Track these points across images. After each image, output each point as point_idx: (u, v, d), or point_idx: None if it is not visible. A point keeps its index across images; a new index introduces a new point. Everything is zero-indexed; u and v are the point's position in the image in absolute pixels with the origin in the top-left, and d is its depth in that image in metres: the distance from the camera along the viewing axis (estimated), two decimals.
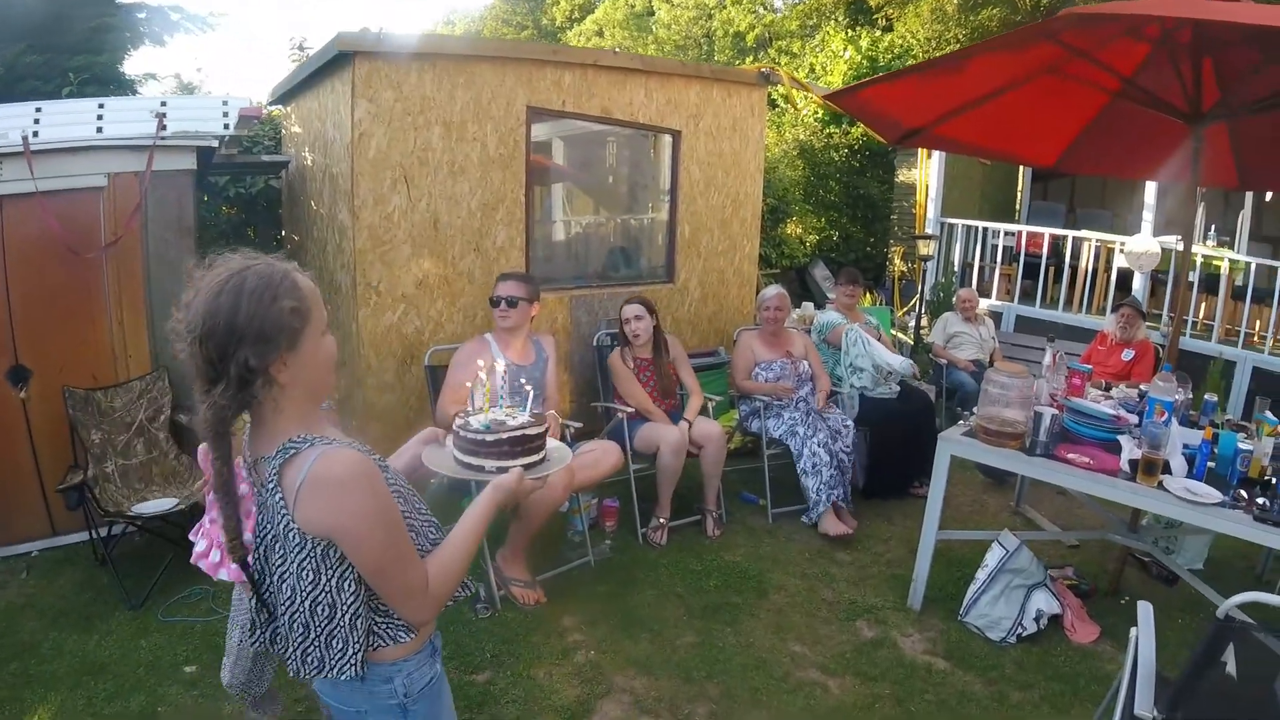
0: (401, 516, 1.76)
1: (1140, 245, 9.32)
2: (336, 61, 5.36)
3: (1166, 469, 3.87)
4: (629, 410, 5.35)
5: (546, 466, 2.16)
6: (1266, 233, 11.68)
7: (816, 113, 14.17)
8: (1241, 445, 3.95)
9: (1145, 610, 3.02)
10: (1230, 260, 9.08)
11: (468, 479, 2.23)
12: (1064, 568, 5.09)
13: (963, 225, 10.93)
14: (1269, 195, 11.50)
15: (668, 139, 7.11)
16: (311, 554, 1.69)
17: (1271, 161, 5.30)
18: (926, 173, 11.55)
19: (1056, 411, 4.33)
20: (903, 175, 12.55)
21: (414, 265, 5.64)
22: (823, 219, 14.41)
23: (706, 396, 5.86)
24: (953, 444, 4.41)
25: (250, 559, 1.81)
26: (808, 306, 7.48)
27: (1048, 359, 4.92)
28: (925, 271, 9.92)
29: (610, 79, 6.45)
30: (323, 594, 1.72)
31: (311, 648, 1.76)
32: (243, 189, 6.94)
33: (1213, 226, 9.93)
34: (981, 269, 10.97)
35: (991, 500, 6.42)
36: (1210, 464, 4.00)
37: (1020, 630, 4.37)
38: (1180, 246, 9.22)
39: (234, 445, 1.70)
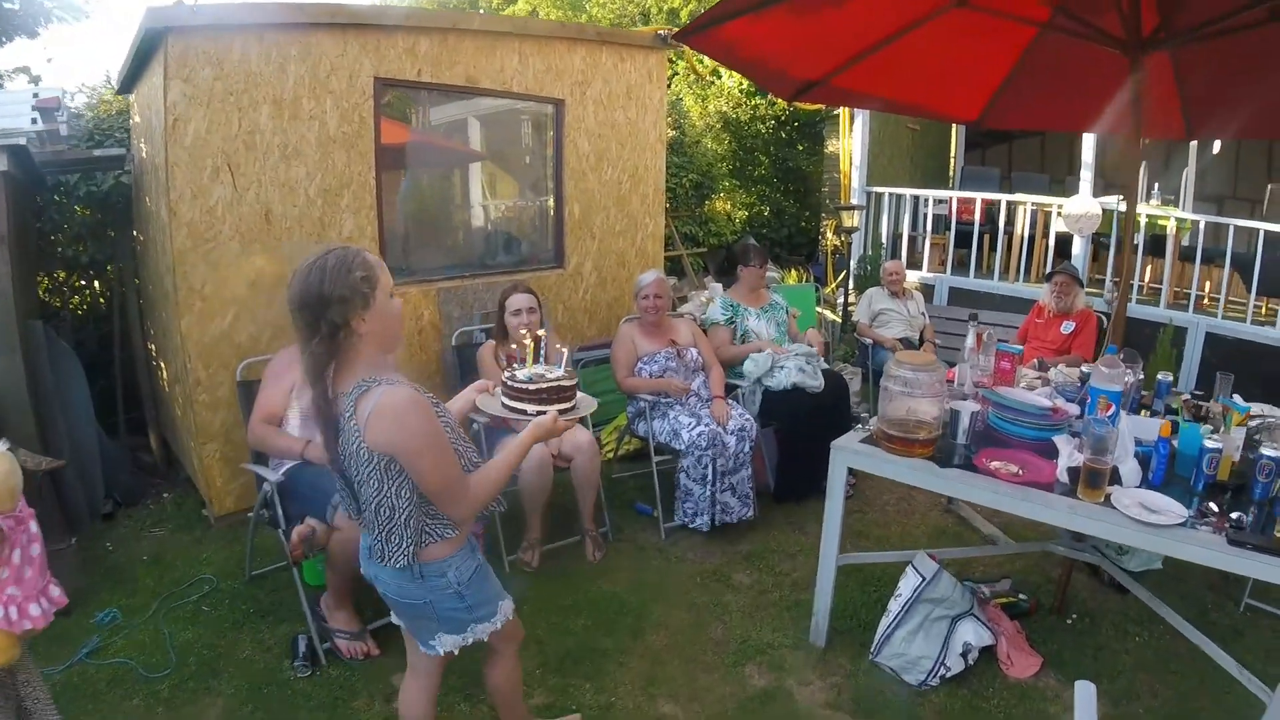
0: (448, 440, 2.29)
1: (1079, 207, 8.66)
2: (151, 40, 4.66)
3: (1115, 478, 3.11)
4: (485, 419, 4.56)
5: (576, 411, 2.61)
6: (1210, 191, 11.23)
7: (741, 84, 13.45)
8: (1208, 443, 3.18)
9: (1085, 693, 2.20)
10: (1177, 219, 8.45)
11: (513, 420, 2.58)
12: (998, 580, 4.37)
13: (890, 194, 10.15)
14: (1217, 146, 11.10)
15: (550, 109, 6.39)
16: (376, 468, 2.22)
17: (1221, 105, 4.62)
18: (850, 141, 10.82)
19: (979, 406, 3.53)
20: (831, 146, 11.89)
21: (245, 264, 4.87)
22: (752, 194, 13.88)
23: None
24: (849, 454, 3.58)
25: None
26: (716, 288, 6.69)
27: (970, 340, 4.17)
28: (851, 244, 9.21)
29: (477, 44, 5.71)
30: (385, 498, 2.26)
31: (377, 541, 2.34)
32: (94, 187, 6.09)
33: (1155, 185, 9.30)
34: (912, 240, 10.29)
35: (921, 496, 5.62)
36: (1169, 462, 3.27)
37: (944, 671, 3.64)
38: (1122, 206, 8.82)
39: (328, 383, 2.24)
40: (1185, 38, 3.74)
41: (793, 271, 11.83)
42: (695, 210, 12.10)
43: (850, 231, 8.83)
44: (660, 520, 5.07)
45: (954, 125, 12.77)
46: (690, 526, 4.96)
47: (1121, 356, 3.58)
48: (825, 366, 5.59)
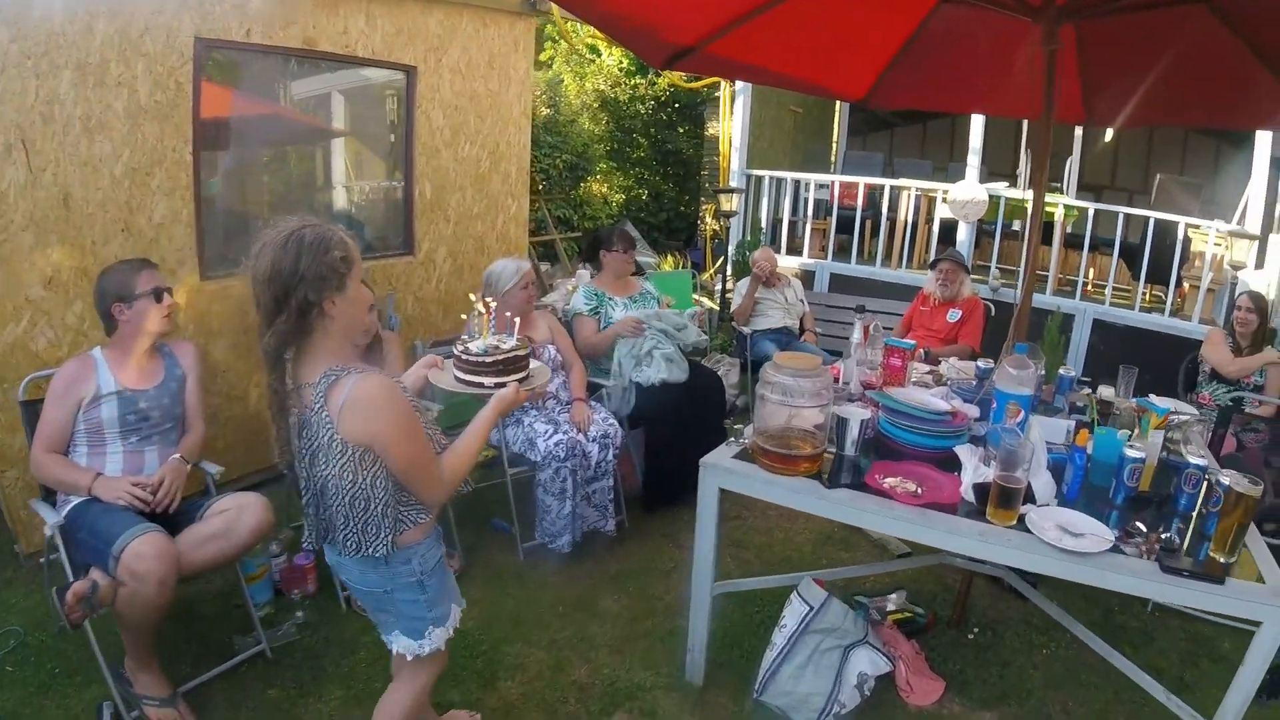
0: (420, 425, 2.23)
1: (965, 193, 8.46)
2: None
3: (1028, 494, 2.67)
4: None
5: (532, 381, 2.53)
6: (1089, 180, 11.28)
7: (621, 62, 13.01)
8: (1129, 452, 2.77)
9: None
10: (1065, 206, 8.32)
11: (471, 394, 2.47)
12: (891, 593, 3.95)
13: (770, 177, 9.69)
14: (1109, 134, 11.21)
15: (400, 78, 5.70)
16: (351, 459, 2.12)
17: (1122, 89, 4.24)
18: (730, 123, 10.39)
19: (869, 413, 3.03)
20: (712, 128, 11.48)
21: (40, 258, 4.05)
22: (630, 176, 13.49)
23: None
24: (720, 473, 3.02)
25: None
26: (582, 275, 6.15)
27: (856, 334, 3.73)
28: (729, 229, 8.77)
29: (317, 1, 4.97)
30: (360, 490, 2.17)
31: (350, 533, 2.22)
32: None
33: None
34: (793, 225, 9.94)
35: None
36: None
37: (837, 708, 3.18)
38: (1009, 193, 8.65)
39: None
40: (1100, 10, 3.39)
41: (669, 257, 11.41)
42: (570, 192, 11.66)
43: (729, 216, 8.37)
44: (518, 539, 4.47)
45: (837, 109, 12.56)
46: (551, 547, 4.39)
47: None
48: (700, 339, 5.14)
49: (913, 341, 3.85)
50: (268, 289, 2.06)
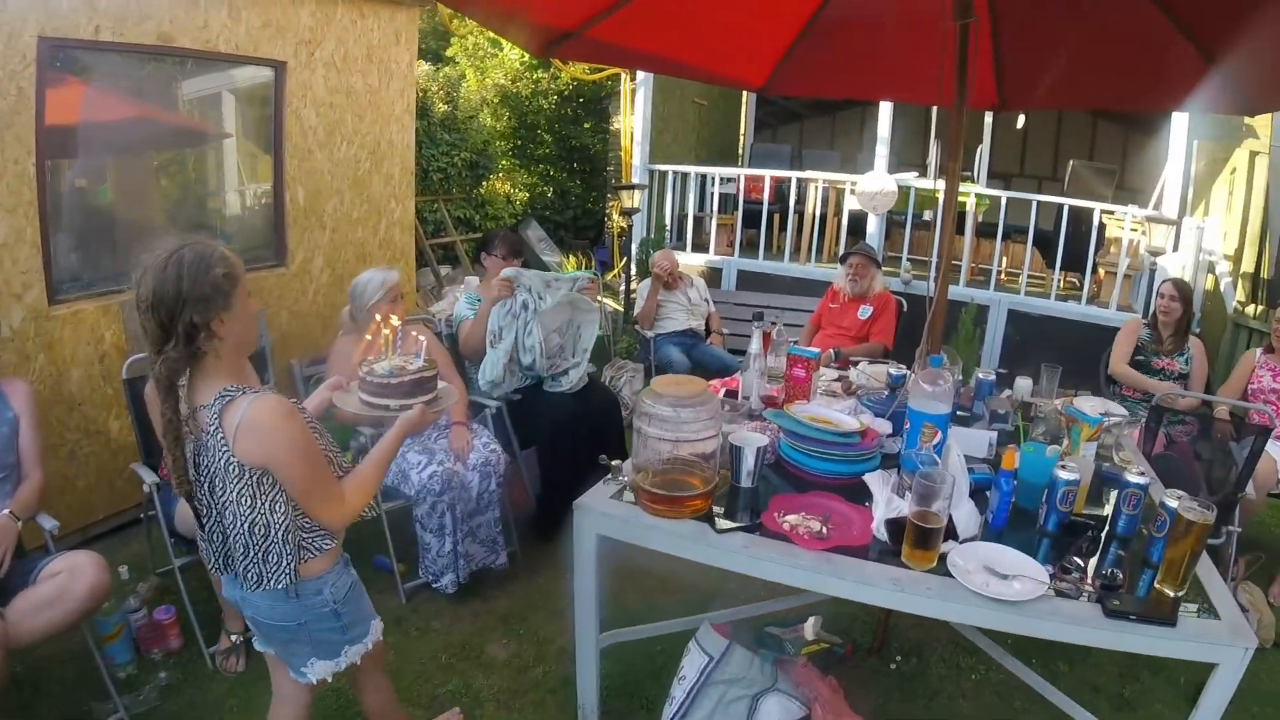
0: (318, 446, 2.14)
1: (874, 184, 8.21)
2: None
3: (949, 531, 2.30)
4: (153, 481, 3.53)
5: (439, 402, 2.41)
6: (998, 169, 11.13)
7: (523, 56, 12.51)
8: (1062, 473, 2.40)
9: None
10: (977, 195, 8.13)
11: (376, 416, 2.38)
12: (804, 620, 3.57)
13: (674, 172, 9.34)
14: (1021, 120, 11.17)
15: (267, 74, 5.19)
16: (248, 483, 2.04)
17: (1039, 69, 3.94)
18: (632, 117, 10.02)
19: (766, 441, 2.61)
20: (617, 122, 11.10)
21: None
22: (534, 173, 13.07)
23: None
24: (597, 518, 2.57)
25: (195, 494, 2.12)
26: (471, 282, 5.69)
27: (755, 344, 3.35)
28: (632, 226, 8.39)
29: None
30: (259, 515, 2.08)
31: (251, 565, 2.12)
32: None
33: None
34: (699, 220, 9.63)
35: None
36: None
37: None
38: (919, 183, 8.40)
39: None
40: None
41: (571, 258, 11.04)
42: (471, 191, 11.24)
43: (631, 213, 7.99)
44: (399, 579, 4.00)
45: (743, 101, 12.33)
46: (435, 587, 3.96)
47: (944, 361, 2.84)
48: (588, 307, 4.69)
49: (817, 350, 3.47)
50: (152, 316, 1.96)
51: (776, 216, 9.15)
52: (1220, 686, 2.05)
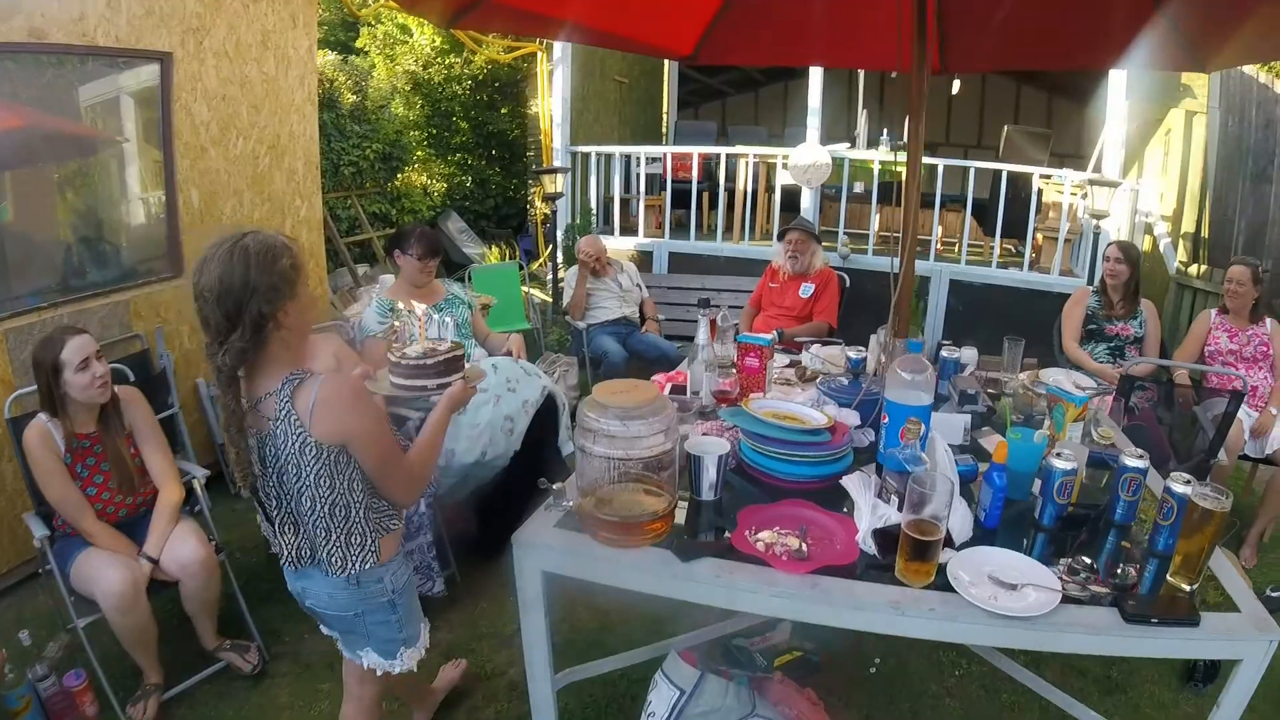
0: (388, 422, 2.29)
1: (807, 157, 7.99)
2: None
3: (946, 538, 1.99)
4: (43, 534, 3.17)
5: (470, 375, 2.48)
6: (925, 138, 10.83)
7: (434, 40, 12.04)
8: (1058, 463, 2.14)
9: None
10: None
11: (415, 398, 2.46)
12: (774, 629, 3.29)
13: (596, 153, 9.01)
14: (956, 86, 11.16)
15: (153, 69, 4.74)
16: (326, 463, 2.04)
17: (980, 31, 3.80)
18: (550, 99, 9.67)
19: (727, 447, 2.30)
20: (534, 106, 10.73)
21: None
22: (451, 163, 12.61)
23: None
24: (540, 552, 2.19)
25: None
26: (384, 282, 5.26)
27: (702, 334, 3.05)
28: (556, 212, 8.07)
29: None
30: (339, 496, 2.10)
31: (336, 549, 2.14)
32: None
33: (885, 131, 8.89)
34: (626, 203, 9.27)
35: None
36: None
37: None
38: (853, 154, 8.21)
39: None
40: None
41: (494, 249, 10.68)
42: (385, 185, 10.81)
43: (554, 198, 7.65)
44: None
45: (665, 78, 12.07)
46: None
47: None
48: (543, 386, 4.24)
49: (768, 336, 3.18)
50: (217, 306, 1.96)
51: (706, 195, 8.90)
52: (1243, 682, 1.85)
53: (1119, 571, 1.97)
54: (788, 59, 6.18)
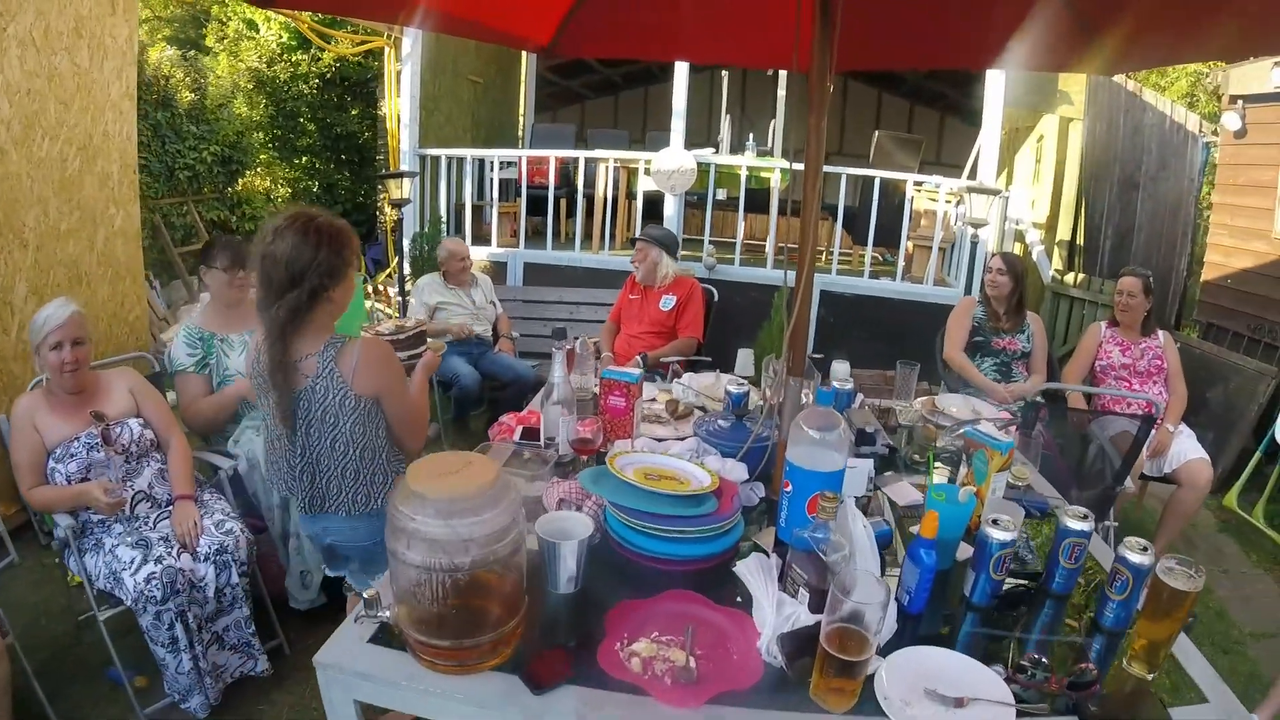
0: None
1: (671, 162, 7.58)
2: None
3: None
4: None
5: (436, 344, 3.00)
6: (792, 144, 10.66)
7: (280, 35, 11.26)
8: (995, 533, 1.78)
9: None
10: (781, 171, 7.65)
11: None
12: None
13: (446, 156, 8.36)
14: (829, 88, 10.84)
15: None
16: (362, 413, 2.37)
17: (866, 26, 3.39)
18: (399, 98, 9.07)
19: (592, 524, 1.86)
20: (385, 106, 10.00)
21: None
22: (297, 166, 11.87)
23: None
24: (350, 680, 1.63)
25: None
26: (193, 309, 4.60)
27: (557, 371, 2.58)
28: (403, 219, 7.49)
29: None
30: (369, 441, 2.42)
31: (360, 487, 2.44)
32: None
33: (750, 135, 8.58)
34: (479, 210, 8.69)
35: None
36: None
37: None
38: (719, 159, 7.77)
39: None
40: None
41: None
42: (224, 190, 10.06)
43: (401, 204, 7.05)
44: (133, 699, 2.99)
45: (522, 79, 11.60)
46: (184, 708, 2.98)
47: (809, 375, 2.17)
48: None
49: (635, 372, 2.71)
50: (285, 269, 2.26)
51: (563, 202, 8.42)
52: None
53: (1078, 668, 1.59)
54: (655, 53, 5.72)
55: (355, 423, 2.35)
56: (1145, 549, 1.72)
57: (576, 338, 2.99)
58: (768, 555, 1.87)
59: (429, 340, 2.89)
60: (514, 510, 1.57)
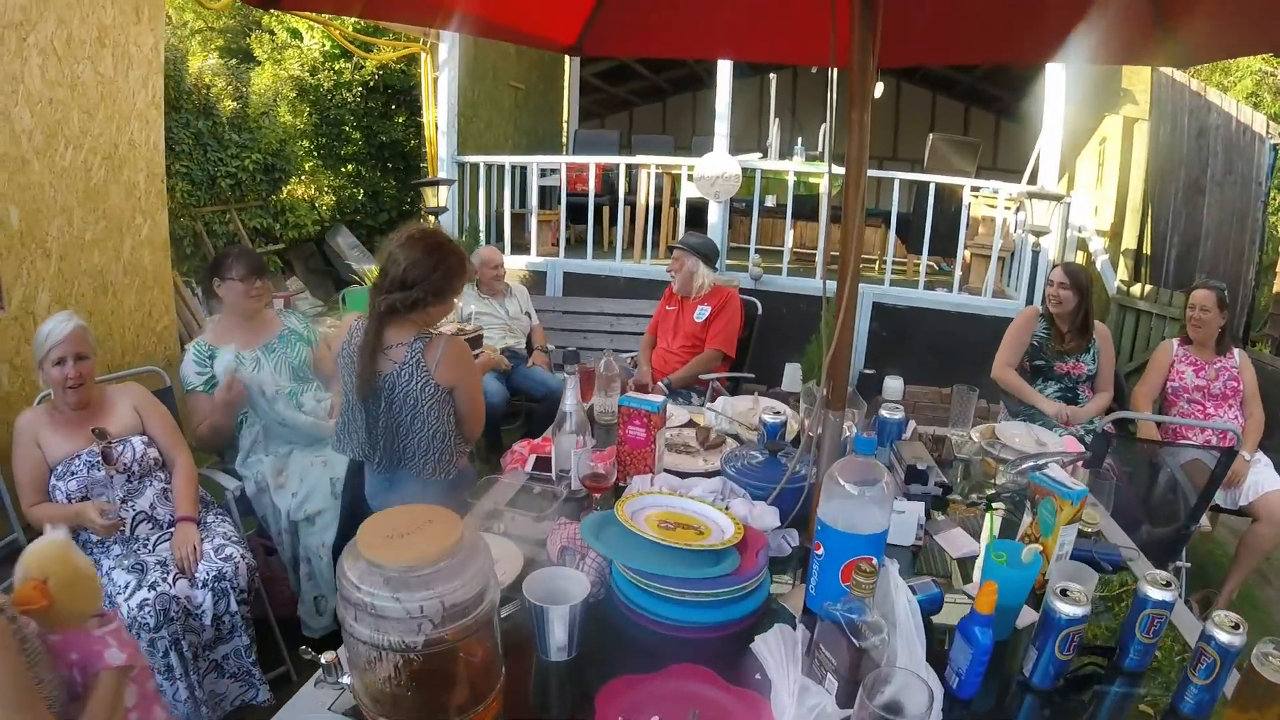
0: None
1: (715, 167, 7.33)
2: None
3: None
4: None
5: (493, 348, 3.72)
6: (840, 148, 10.40)
7: (323, 44, 11.24)
8: (1064, 606, 1.51)
9: None
10: (832, 176, 7.26)
11: None
12: None
13: (485, 163, 8.14)
14: (879, 89, 10.58)
15: None
16: (438, 400, 2.68)
17: (909, 18, 3.16)
18: (436, 106, 8.92)
19: (586, 581, 1.63)
20: (425, 113, 9.88)
21: None
22: (342, 175, 11.81)
23: None
24: None
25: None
26: (207, 325, 4.46)
27: (569, 400, 2.33)
28: (440, 228, 7.34)
29: None
30: (441, 424, 2.72)
31: (430, 458, 2.74)
32: None
33: (800, 140, 8.30)
34: (519, 218, 8.51)
35: None
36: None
37: None
38: (765, 165, 7.44)
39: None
40: None
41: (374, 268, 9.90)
42: (267, 198, 10.04)
43: (438, 212, 6.89)
44: None
45: (565, 85, 11.47)
46: None
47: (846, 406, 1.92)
48: None
49: (658, 400, 2.45)
50: (401, 272, 2.63)
51: (605, 210, 8.24)
52: None
53: None
54: (685, 50, 5.49)
55: (432, 407, 2.65)
56: (1236, 626, 1.45)
57: (603, 356, 2.77)
58: (794, 627, 1.61)
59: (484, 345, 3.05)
60: (483, 578, 1.32)
